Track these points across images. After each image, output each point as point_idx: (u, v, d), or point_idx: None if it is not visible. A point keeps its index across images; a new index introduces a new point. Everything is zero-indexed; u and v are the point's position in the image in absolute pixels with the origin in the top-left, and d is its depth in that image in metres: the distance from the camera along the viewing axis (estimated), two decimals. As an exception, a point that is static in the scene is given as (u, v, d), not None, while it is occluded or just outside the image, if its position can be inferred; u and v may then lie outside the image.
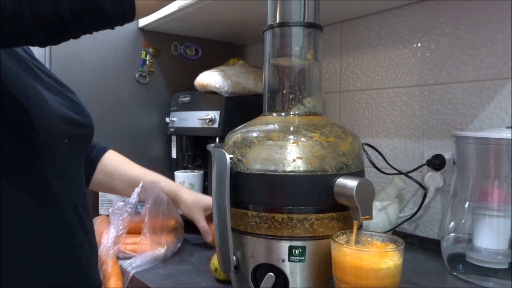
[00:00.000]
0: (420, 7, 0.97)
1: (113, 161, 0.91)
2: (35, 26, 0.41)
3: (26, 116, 0.52)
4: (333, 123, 0.64)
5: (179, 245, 0.92)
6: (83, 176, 0.68)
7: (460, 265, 0.76)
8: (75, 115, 0.63)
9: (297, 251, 0.58)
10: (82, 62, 1.13)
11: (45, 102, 0.56)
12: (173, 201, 0.92)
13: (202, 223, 0.91)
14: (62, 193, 0.58)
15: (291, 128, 0.61)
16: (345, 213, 0.60)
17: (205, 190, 1.15)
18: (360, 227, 0.62)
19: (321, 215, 0.58)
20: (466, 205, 0.77)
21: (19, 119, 0.51)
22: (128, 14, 0.46)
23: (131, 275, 0.79)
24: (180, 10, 1.05)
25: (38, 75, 0.61)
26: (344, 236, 0.58)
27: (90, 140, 0.68)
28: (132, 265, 0.81)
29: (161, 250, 0.85)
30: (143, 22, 1.21)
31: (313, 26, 0.64)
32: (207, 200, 0.92)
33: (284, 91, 0.65)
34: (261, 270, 0.60)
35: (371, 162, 0.87)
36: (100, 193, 1.11)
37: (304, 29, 0.64)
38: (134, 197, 0.87)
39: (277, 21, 0.64)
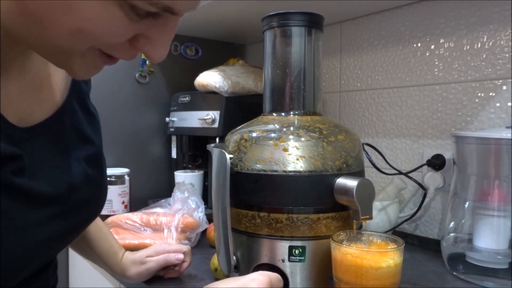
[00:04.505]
0: (420, 7, 0.97)
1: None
2: None
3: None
4: (333, 123, 0.64)
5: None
6: None
7: (460, 265, 0.76)
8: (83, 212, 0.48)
9: (297, 251, 0.58)
10: (82, 62, 1.13)
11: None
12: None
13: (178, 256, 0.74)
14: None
15: (291, 128, 0.61)
16: (345, 213, 0.60)
17: (205, 190, 1.15)
18: (360, 227, 0.62)
19: (321, 215, 0.58)
20: (466, 205, 0.77)
21: None
22: None
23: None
24: (180, 10, 1.05)
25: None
26: (345, 235, 0.58)
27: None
28: None
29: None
30: (143, 22, 1.21)
31: (313, 26, 0.64)
32: (153, 247, 0.76)
33: (284, 91, 0.65)
34: (261, 270, 0.60)
35: (371, 162, 0.87)
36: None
37: (304, 29, 0.64)
38: None
39: (277, 21, 0.64)
